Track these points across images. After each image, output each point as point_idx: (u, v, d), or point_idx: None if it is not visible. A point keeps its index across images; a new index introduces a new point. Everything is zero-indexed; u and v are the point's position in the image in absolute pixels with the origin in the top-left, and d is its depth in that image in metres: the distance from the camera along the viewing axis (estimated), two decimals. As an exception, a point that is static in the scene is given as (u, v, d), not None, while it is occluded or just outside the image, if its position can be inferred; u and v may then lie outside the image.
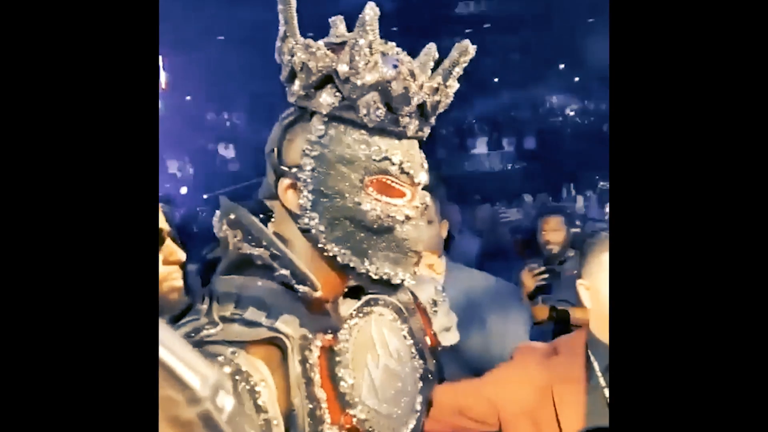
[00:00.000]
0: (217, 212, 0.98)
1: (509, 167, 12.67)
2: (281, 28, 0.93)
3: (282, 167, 0.94)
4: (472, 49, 0.95)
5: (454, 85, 0.96)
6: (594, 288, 1.36)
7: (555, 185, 9.53)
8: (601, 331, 1.36)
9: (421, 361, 1.06)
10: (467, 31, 12.28)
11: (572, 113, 14.18)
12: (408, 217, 0.93)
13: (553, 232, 3.06)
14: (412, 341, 1.06)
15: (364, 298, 1.04)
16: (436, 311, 1.19)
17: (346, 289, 1.02)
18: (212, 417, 0.67)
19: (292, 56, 0.92)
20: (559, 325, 2.54)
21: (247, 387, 0.82)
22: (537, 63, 14.02)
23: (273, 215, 0.97)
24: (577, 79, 14.59)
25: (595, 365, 1.35)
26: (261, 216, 0.97)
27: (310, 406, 0.87)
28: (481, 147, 13.51)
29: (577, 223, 3.00)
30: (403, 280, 0.94)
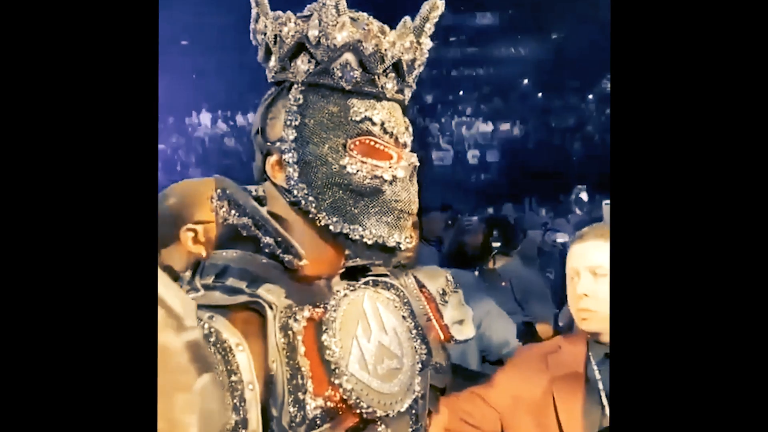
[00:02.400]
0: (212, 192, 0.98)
1: (473, 179, 12.76)
2: (253, 11, 0.95)
3: (267, 144, 0.94)
4: (441, 4, 0.96)
5: (427, 42, 0.96)
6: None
7: (518, 197, 9.64)
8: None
9: (423, 345, 1.03)
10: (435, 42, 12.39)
11: (535, 129, 14.39)
12: (396, 178, 0.92)
13: (473, 236, 3.24)
14: (412, 322, 1.03)
15: (363, 279, 1.03)
16: (446, 302, 1.17)
17: (343, 269, 1.01)
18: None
19: (265, 34, 0.94)
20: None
21: (221, 349, 0.81)
22: (501, 78, 14.24)
23: (265, 199, 0.97)
24: (540, 94, 14.86)
25: (592, 359, 1.33)
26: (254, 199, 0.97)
27: (291, 373, 0.85)
28: (445, 159, 13.59)
29: (495, 233, 3.24)
30: (398, 243, 0.93)
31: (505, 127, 14.19)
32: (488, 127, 14.24)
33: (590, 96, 14.40)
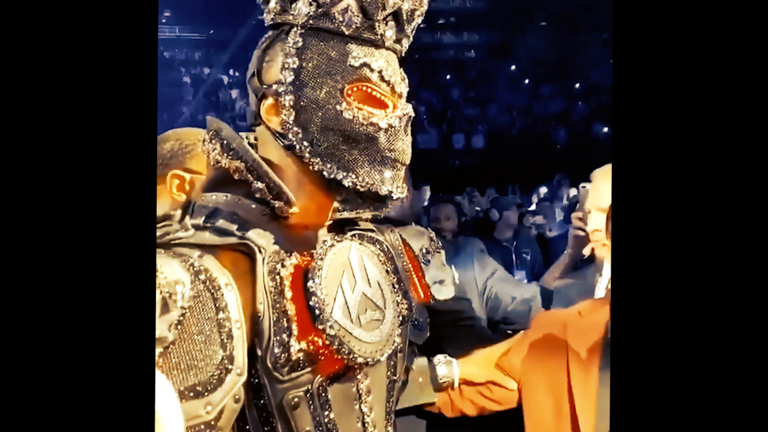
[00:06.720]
0: (204, 132, 0.99)
1: (456, 164, 12.72)
2: None
3: (263, 87, 0.94)
4: None
5: None
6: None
7: (501, 184, 9.64)
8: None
9: (404, 300, 1.05)
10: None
11: (521, 115, 14.37)
12: (391, 126, 0.93)
13: (446, 221, 3.23)
14: (395, 277, 1.05)
15: (351, 232, 1.04)
16: (428, 261, 1.19)
17: (330, 221, 1.02)
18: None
19: None
20: None
21: (211, 287, 0.82)
22: (489, 63, 14.20)
23: (256, 147, 0.97)
24: (527, 81, 14.85)
25: None
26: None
27: (277, 316, 0.87)
28: (430, 142, 13.51)
29: (465, 212, 3.24)
30: (390, 192, 0.94)
31: (489, 114, 14.13)
32: (474, 113, 14.17)
33: (576, 85, 14.42)
